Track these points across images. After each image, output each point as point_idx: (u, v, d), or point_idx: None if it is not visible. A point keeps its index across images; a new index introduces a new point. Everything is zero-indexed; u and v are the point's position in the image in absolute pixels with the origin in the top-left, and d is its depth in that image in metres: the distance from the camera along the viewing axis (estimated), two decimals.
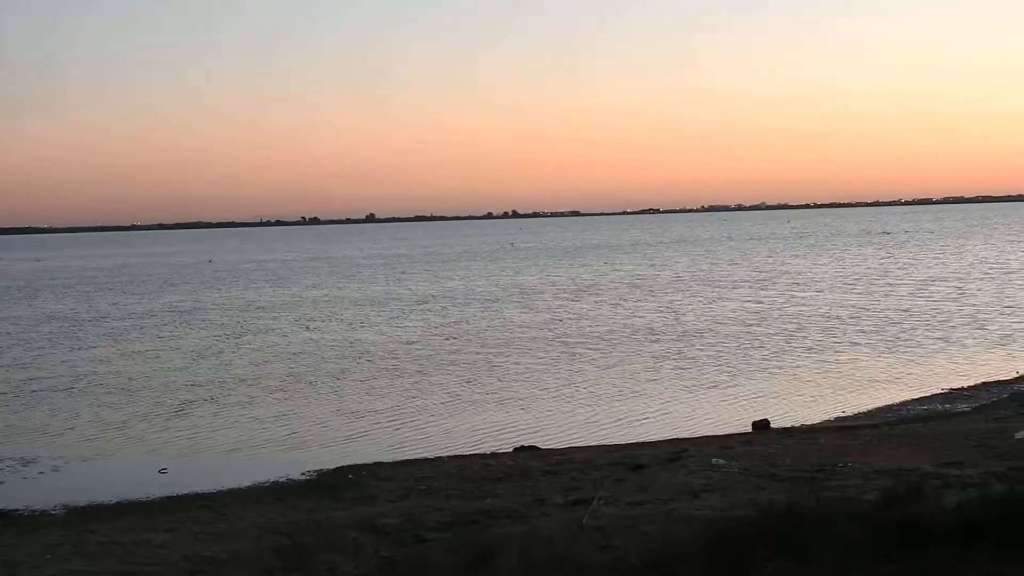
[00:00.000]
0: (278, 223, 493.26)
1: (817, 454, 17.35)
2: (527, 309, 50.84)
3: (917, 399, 25.11)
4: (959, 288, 54.20)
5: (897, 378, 28.30)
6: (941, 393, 25.80)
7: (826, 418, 23.26)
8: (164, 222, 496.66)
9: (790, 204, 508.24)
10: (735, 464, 16.69)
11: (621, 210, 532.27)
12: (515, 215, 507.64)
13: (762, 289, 58.45)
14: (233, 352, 37.29)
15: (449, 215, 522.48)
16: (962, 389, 26.12)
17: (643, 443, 20.34)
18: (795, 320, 42.13)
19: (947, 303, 46.77)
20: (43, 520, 16.12)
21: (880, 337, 36.14)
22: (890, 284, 58.67)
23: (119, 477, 19.49)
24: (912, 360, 31.16)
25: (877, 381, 27.95)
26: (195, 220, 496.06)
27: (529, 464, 17.96)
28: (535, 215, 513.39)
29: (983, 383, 26.83)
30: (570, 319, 45.36)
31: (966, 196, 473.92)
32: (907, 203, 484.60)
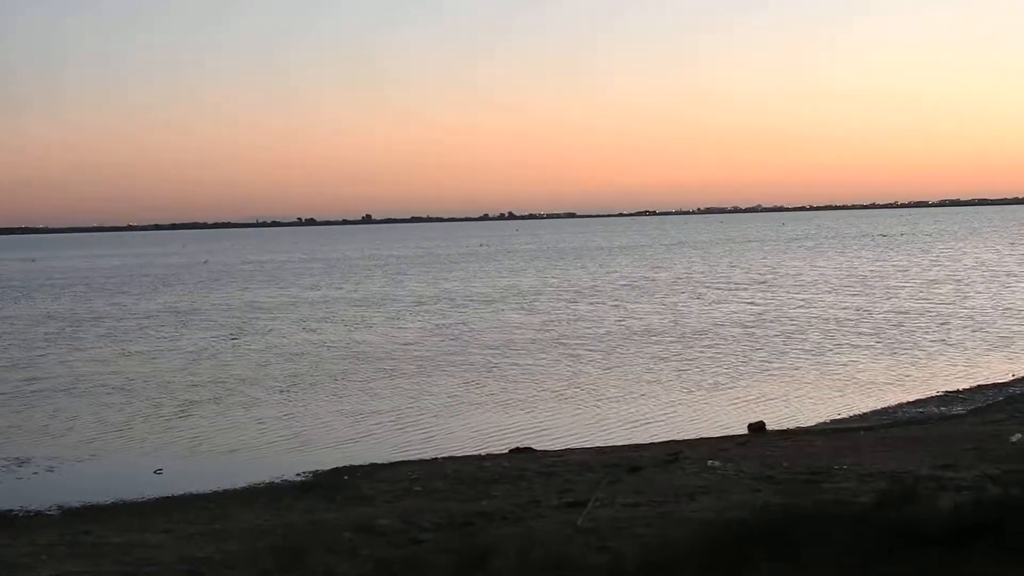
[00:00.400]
0: (274, 224, 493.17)
1: (813, 456, 17.37)
2: (525, 310, 50.87)
3: (913, 402, 25.14)
4: (957, 290, 54.31)
5: (893, 380, 28.33)
6: (937, 396, 25.82)
7: (822, 420, 23.28)
8: (160, 223, 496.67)
9: (786, 206, 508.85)
10: (731, 466, 16.70)
11: (617, 212, 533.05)
12: (511, 216, 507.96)
13: (761, 291, 58.50)
14: (231, 353, 37.29)
15: (446, 216, 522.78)
16: (958, 392, 26.14)
17: (639, 445, 20.35)
18: (793, 322, 42.18)
19: (945, 305, 46.83)
20: (38, 521, 16.11)
21: (877, 339, 36.18)
22: (888, 286, 58.75)
23: (115, 478, 19.47)
24: (908, 362, 31.19)
25: (873, 383, 27.97)
26: (191, 221, 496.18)
27: (525, 466, 17.96)
28: (531, 216, 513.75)
29: (979, 386, 26.85)
30: (568, 320, 45.39)
31: (962, 199, 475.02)
32: (903, 206, 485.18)
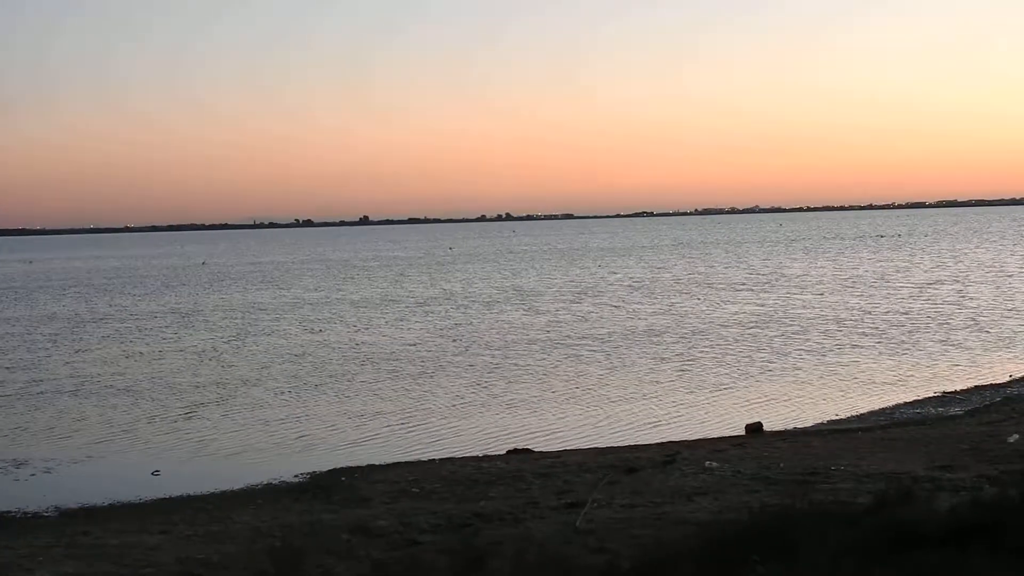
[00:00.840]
0: (272, 225, 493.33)
1: (810, 457, 17.38)
2: (527, 311, 50.88)
3: (910, 402, 25.16)
4: (956, 291, 54.37)
5: (891, 381, 28.34)
6: (934, 396, 25.84)
7: (819, 421, 23.29)
8: (157, 224, 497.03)
9: (784, 207, 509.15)
10: (728, 467, 16.71)
11: (615, 213, 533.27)
12: (508, 218, 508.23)
13: (761, 292, 58.55)
14: (233, 354, 37.27)
15: (443, 218, 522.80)
16: (955, 392, 26.16)
17: (636, 446, 20.36)
18: (794, 322, 42.19)
19: (944, 306, 46.87)
20: (35, 522, 16.10)
21: (875, 340, 36.21)
22: (888, 287, 58.82)
23: (112, 479, 19.46)
24: (906, 363, 31.21)
25: (871, 384, 27.99)
26: (189, 222, 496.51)
27: (522, 467, 17.96)
28: (528, 218, 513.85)
29: (976, 386, 26.88)
30: (569, 321, 45.40)
31: (959, 200, 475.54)
32: (900, 207, 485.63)
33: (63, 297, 70.46)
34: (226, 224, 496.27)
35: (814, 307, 48.60)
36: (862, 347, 34.69)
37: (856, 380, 28.65)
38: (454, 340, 39.63)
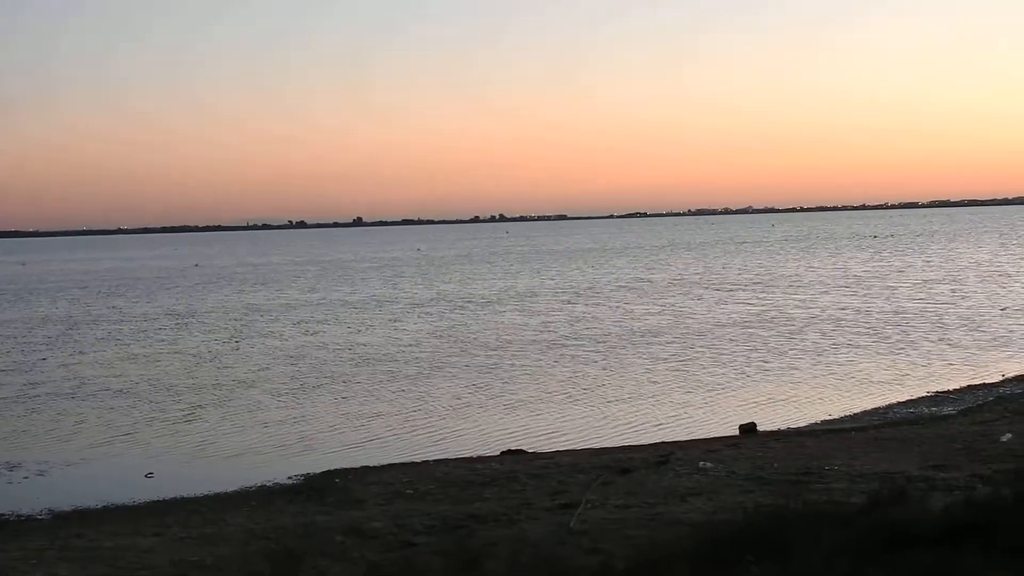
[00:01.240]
0: (265, 227, 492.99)
1: (803, 457, 17.39)
2: (522, 312, 50.92)
3: (903, 402, 25.20)
4: (951, 291, 54.51)
5: (884, 380, 28.39)
6: (927, 396, 25.88)
7: (813, 421, 23.31)
8: (151, 226, 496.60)
9: (777, 208, 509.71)
10: (722, 467, 16.72)
11: (608, 214, 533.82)
12: (502, 219, 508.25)
13: (757, 292, 58.62)
14: (228, 356, 37.24)
15: (437, 219, 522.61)
16: (948, 392, 26.20)
17: (630, 446, 20.36)
18: (789, 322, 42.25)
19: (938, 306, 46.96)
20: (29, 525, 16.07)
21: (869, 340, 36.26)
22: (884, 287, 58.93)
23: (106, 481, 19.44)
24: (899, 362, 31.26)
25: (864, 383, 28.04)
26: (182, 224, 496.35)
27: (516, 468, 17.96)
28: (522, 219, 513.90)
29: (969, 386, 26.92)
30: (566, 322, 45.43)
31: (952, 200, 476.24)
32: (893, 207, 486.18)
33: (58, 299, 70.37)
34: (219, 226, 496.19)
35: (809, 307, 48.66)
36: (856, 347, 34.74)
37: (850, 379, 28.69)
38: (450, 341, 39.63)
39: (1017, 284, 58.05)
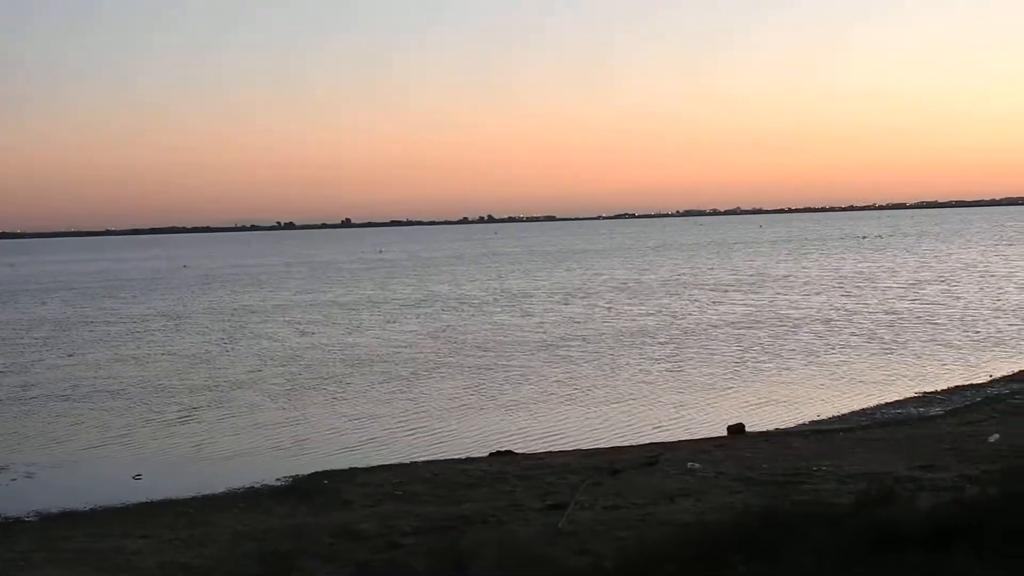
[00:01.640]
0: (253, 228, 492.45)
1: (792, 458, 17.42)
2: (515, 313, 50.89)
3: (891, 402, 25.25)
4: (941, 291, 54.68)
5: (872, 381, 28.44)
6: (915, 396, 25.93)
7: (801, 422, 23.35)
8: (139, 227, 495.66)
9: (765, 209, 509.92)
10: (710, 468, 16.74)
11: (596, 215, 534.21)
12: (491, 220, 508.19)
13: (748, 292, 58.75)
14: (222, 357, 37.13)
15: (425, 220, 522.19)
16: (936, 392, 26.26)
17: (619, 447, 20.37)
18: (781, 324, 42.27)
19: (927, 306, 47.06)
20: (16, 527, 15.99)
21: (858, 340, 36.34)
22: (875, 287, 59.06)
23: (93, 483, 19.37)
24: (888, 363, 31.32)
25: (853, 384, 28.09)
26: (170, 225, 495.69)
27: (505, 469, 17.96)
28: (511, 220, 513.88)
29: (957, 386, 26.99)
30: (557, 323, 45.43)
31: (939, 201, 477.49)
32: (881, 207, 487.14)
33: (49, 301, 70.15)
34: (208, 227, 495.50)
35: (801, 307, 48.74)
36: (848, 347, 34.81)
37: (839, 380, 28.75)
38: (443, 341, 39.61)
39: (1008, 284, 58.25)
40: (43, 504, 17.46)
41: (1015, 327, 39.01)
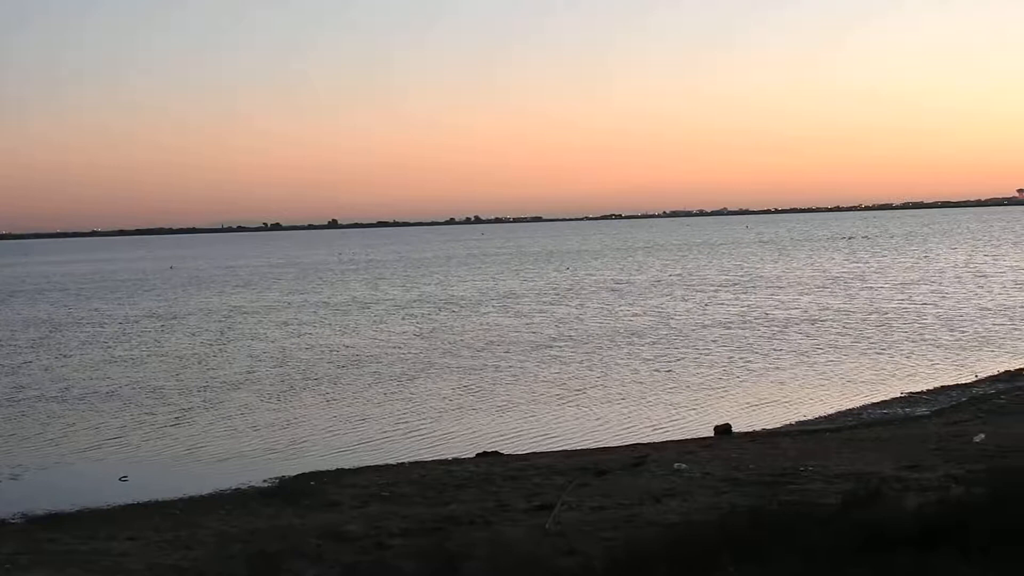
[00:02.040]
0: (240, 229, 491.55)
1: (779, 458, 17.45)
2: (505, 313, 50.88)
3: (878, 403, 25.31)
4: (929, 291, 54.84)
5: (859, 381, 28.52)
6: (901, 397, 26.01)
7: (788, 422, 23.39)
8: (126, 228, 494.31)
9: (751, 210, 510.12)
10: (697, 469, 16.76)
11: (583, 216, 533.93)
12: (477, 220, 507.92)
13: (737, 293, 58.85)
14: (212, 358, 37.06)
15: (412, 220, 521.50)
16: (922, 393, 26.34)
17: (606, 448, 20.39)
18: (770, 324, 42.35)
19: (917, 306, 47.24)
20: (2, 529, 15.94)
21: (845, 341, 36.42)
22: (863, 287, 59.23)
23: (79, 485, 19.30)
24: (874, 363, 31.40)
25: (840, 384, 28.16)
26: (157, 226, 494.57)
27: (492, 469, 17.96)
28: (497, 220, 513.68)
29: (942, 387, 27.07)
30: (547, 324, 45.43)
31: (925, 201, 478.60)
32: (867, 208, 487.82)
33: (38, 302, 69.91)
34: (195, 228, 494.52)
35: (790, 308, 48.84)
36: (832, 348, 34.87)
37: (826, 380, 28.82)
38: (434, 342, 39.58)
39: (995, 284, 58.45)
40: (28, 506, 17.38)
41: (1001, 327, 39.15)
